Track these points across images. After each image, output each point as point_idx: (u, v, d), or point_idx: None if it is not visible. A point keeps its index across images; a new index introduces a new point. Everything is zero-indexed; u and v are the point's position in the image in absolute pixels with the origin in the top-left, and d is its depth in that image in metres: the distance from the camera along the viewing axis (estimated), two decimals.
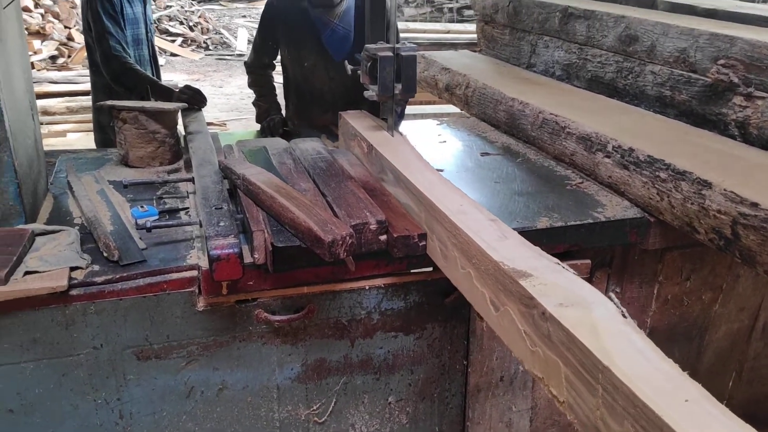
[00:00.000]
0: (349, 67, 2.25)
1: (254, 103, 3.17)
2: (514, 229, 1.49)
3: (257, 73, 3.13)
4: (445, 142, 2.56)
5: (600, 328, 1.07)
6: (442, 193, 1.65)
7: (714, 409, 0.90)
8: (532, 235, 1.73)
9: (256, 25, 3.19)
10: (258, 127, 3.25)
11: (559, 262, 1.30)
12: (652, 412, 0.88)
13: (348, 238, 1.49)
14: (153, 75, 3.32)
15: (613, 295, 1.19)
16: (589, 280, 1.96)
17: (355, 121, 2.31)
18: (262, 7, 3.10)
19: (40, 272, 1.57)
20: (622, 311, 1.13)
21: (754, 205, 1.48)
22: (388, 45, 2.02)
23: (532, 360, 1.20)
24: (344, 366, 1.85)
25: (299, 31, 2.84)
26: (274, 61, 3.11)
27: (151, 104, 2.36)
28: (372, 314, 1.82)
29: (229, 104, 7.94)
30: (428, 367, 1.94)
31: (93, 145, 3.58)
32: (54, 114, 6.72)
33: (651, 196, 1.82)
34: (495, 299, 1.32)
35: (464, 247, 1.44)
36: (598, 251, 1.92)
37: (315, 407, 1.88)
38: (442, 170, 2.13)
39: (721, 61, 1.94)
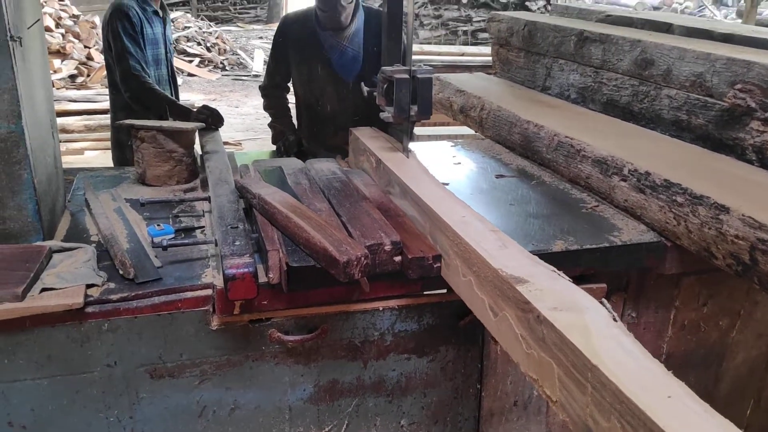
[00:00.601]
0: (365, 89, 2.27)
1: (270, 125, 3.20)
2: (529, 251, 1.50)
3: (272, 95, 3.16)
4: (459, 163, 2.57)
5: (591, 331, 1.12)
6: (445, 204, 1.71)
7: (695, 405, 0.95)
8: (548, 259, 1.71)
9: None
10: (273, 147, 3.27)
11: (555, 270, 1.36)
12: (636, 407, 0.93)
13: (363, 258, 1.49)
14: (171, 94, 3.36)
15: (605, 301, 1.24)
16: None
17: (365, 136, 2.39)
18: None
19: (56, 289, 1.58)
20: (613, 315, 1.18)
21: None
22: (404, 67, 2.04)
23: (528, 362, 1.25)
24: (357, 388, 1.84)
25: (310, 53, 2.87)
26: (288, 83, 3.14)
27: (168, 124, 2.39)
28: (385, 336, 1.81)
29: (245, 124, 8.01)
30: (441, 390, 1.92)
31: (110, 163, 3.62)
32: (72, 132, 6.81)
33: (668, 221, 1.80)
34: (494, 305, 1.37)
35: (466, 256, 1.49)
36: (614, 275, 1.90)
37: (327, 429, 1.87)
38: (447, 183, 2.16)
39: (738, 86, 1.94)
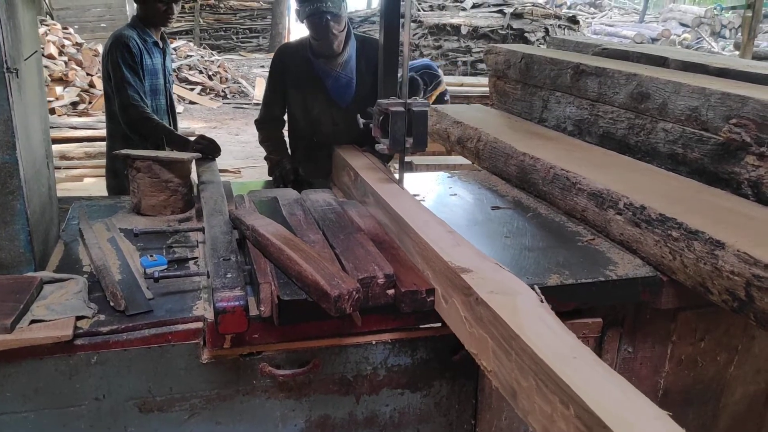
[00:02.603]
0: (361, 121, 2.28)
1: (266, 158, 3.21)
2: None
3: (268, 128, 3.18)
4: (455, 194, 2.57)
5: (519, 309, 1.33)
6: (412, 211, 1.94)
7: (598, 366, 1.15)
8: (543, 293, 1.71)
9: None
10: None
11: (499, 264, 1.58)
12: (548, 366, 1.13)
13: (354, 293, 1.47)
14: (170, 124, 3.37)
15: (536, 287, 1.44)
16: (601, 339, 1.92)
17: (346, 153, 2.69)
18: None
19: (46, 321, 1.57)
20: (541, 298, 1.39)
21: None
22: (399, 100, 2.05)
23: (470, 340, 1.45)
24: (349, 423, 1.82)
25: (305, 80, 2.95)
26: (284, 116, 3.18)
27: (164, 154, 2.39)
28: (378, 370, 1.79)
29: (245, 152, 8.04)
30: (435, 425, 1.89)
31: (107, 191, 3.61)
32: (72, 159, 6.83)
33: (663, 255, 1.79)
34: (445, 293, 1.59)
35: (424, 253, 1.71)
36: (609, 310, 1.89)
37: None
38: (418, 195, 2.34)
39: (733, 120, 1.94)
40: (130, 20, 3.30)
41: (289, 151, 3.18)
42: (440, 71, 6.03)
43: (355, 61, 2.93)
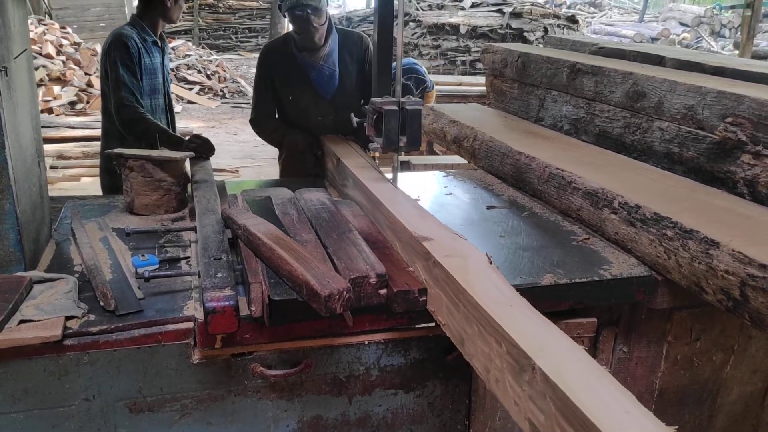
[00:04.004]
0: (354, 120, 2.27)
1: (274, 143, 3.25)
2: (516, 285, 1.54)
3: (264, 122, 3.22)
4: (451, 194, 2.55)
5: (469, 269, 1.51)
6: (385, 191, 2.11)
7: (531, 313, 1.33)
8: (536, 292, 1.70)
9: None
10: (271, 175, 3.31)
11: (458, 234, 1.74)
12: (486, 313, 1.32)
13: (345, 292, 1.46)
14: (168, 123, 3.37)
15: (487, 252, 1.60)
16: (596, 338, 1.91)
17: (330, 141, 2.90)
18: None
19: (35, 321, 1.55)
20: (490, 260, 1.57)
21: (763, 266, 1.44)
22: (393, 99, 2.03)
23: (431, 300, 1.62)
24: (341, 424, 1.80)
25: (291, 75, 3.06)
26: (274, 108, 3.24)
27: (157, 153, 2.37)
28: (371, 370, 1.77)
29: (243, 151, 8.02)
30: (428, 426, 1.88)
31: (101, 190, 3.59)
32: (70, 158, 6.81)
33: (658, 254, 1.78)
34: (409, 261, 1.77)
35: (393, 226, 1.89)
36: (604, 309, 1.87)
37: None
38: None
39: (729, 119, 1.93)
40: (129, 19, 3.30)
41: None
42: (427, 76, 5.77)
43: (337, 54, 3.04)
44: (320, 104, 3.08)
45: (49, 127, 7.38)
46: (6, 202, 1.70)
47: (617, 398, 1.06)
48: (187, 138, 2.83)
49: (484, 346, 1.34)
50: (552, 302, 1.74)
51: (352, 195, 2.35)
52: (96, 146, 6.86)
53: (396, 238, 1.86)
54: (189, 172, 2.47)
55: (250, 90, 12.00)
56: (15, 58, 1.80)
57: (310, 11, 2.81)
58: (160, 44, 3.28)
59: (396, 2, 2.24)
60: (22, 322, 1.54)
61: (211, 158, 2.75)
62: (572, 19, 13.53)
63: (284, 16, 2.96)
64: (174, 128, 3.47)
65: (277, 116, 3.21)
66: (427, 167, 4.95)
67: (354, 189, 2.33)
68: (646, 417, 1.02)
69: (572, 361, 1.15)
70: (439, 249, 1.61)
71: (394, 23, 2.26)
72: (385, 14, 2.28)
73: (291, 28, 3.05)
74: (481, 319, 1.34)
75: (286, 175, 3.21)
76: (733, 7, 19.88)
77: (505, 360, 1.25)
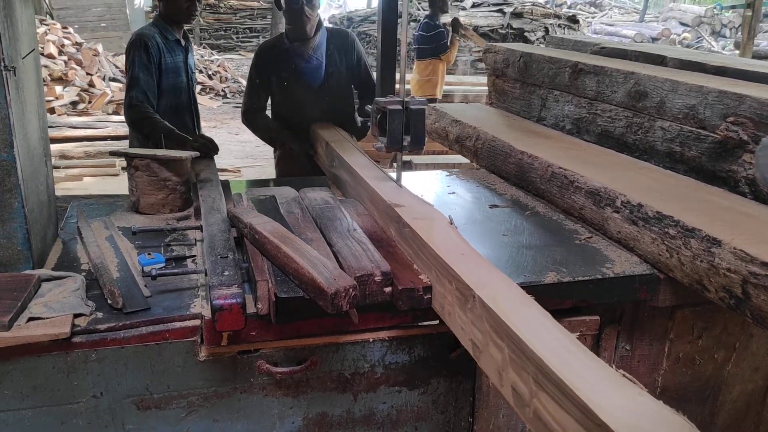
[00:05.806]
0: (359, 120, 2.29)
1: (266, 139, 3.47)
2: (520, 283, 1.55)
3: (257, 117, 3.43)
4: (454, 193, 2.57)
5: (433, 229, 1.74)
6: (369, 170, 2.33)
7: (480, 260, 1.56)
8: (539, 290, 1.71)
9: None
10: (272, 175, 3.43)
11: (426, 201, 1.99)
12: (444, 262, 1.53)
13: (351, 290, 1.47)
14: (192, 121, 3.39)
15: (452, 216, 1.86)
16: (598, 336, 1.93)
17: (320, 128, 3.15)
18: None
19: (43, 318, 1.57)
20: (451, 221, 1.81)
21: (765, 264, 1.46)
22: (397, 98, 2.04)
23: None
24: (346, 421, 1.82)
25: (284, 68, 3.27)
26: (266, 104, 3.44)
27: (163, 152, 2.39)
28: (376, 368, 1.79)
29: (244, 151, 8.04)
30: (433, 423, 1.90)
31: (108, 190, 3.62)
32: (72, 158, 6.83)
33: (660, 253, 1.79)
34: (385, 226, 1.99)
35: (372, 197, 2.11)
36: (607, 307, 1.89)
37: None
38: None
39: (730, 119, 1.94)
40: (153, 18, 3.35)
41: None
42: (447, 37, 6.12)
43: (325, 47, 3.28)
44: (309, 94, 3.28)
45: (51, 127, 7.39)
46: (14, 200, 1.71)
47: (537, 317, 1.30)
48: (192, 138, 2.85)
49: (439, 287, 1.57)
50: (555, 300, 1.76)
51: (338, 174, 2.59)
52: (98, 146, 6.92)
53: (375, 209, 2.09)
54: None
55: None
56: (23, 57, 1.81)
57: (304, 2, 3.07)
58: (183, 43, 3.30)
59: (400, 3, 2.25)
60: (30, 319, 1.56)
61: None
62: (573, 19, 13.54)
63: (279, 9, 3.20)
64: (199, 127, 3.49)
65: (269, 112, 3.39)
66: (428, 167, 4.97)
67: (340, 168, 2.57)
68: (560, 329, 1.25)
69: (506, 293, 1.39)
70: (408, 213, 1.85)
71: (398, 23, 2.28)
72: (389, 14, 2.30)
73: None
74: (438, 266, 1.56)
75: (283, 174, 3.40)
76: (733, 7, 19.86)
77: (454, 295, 1.48)
